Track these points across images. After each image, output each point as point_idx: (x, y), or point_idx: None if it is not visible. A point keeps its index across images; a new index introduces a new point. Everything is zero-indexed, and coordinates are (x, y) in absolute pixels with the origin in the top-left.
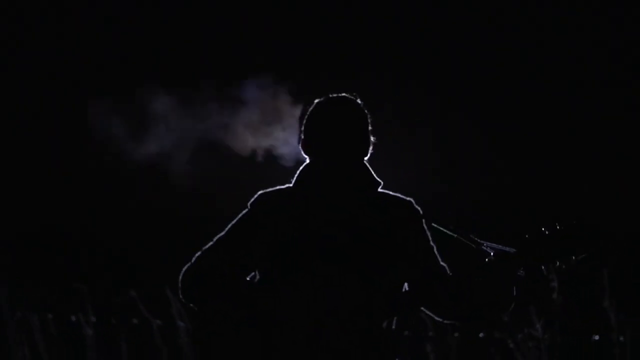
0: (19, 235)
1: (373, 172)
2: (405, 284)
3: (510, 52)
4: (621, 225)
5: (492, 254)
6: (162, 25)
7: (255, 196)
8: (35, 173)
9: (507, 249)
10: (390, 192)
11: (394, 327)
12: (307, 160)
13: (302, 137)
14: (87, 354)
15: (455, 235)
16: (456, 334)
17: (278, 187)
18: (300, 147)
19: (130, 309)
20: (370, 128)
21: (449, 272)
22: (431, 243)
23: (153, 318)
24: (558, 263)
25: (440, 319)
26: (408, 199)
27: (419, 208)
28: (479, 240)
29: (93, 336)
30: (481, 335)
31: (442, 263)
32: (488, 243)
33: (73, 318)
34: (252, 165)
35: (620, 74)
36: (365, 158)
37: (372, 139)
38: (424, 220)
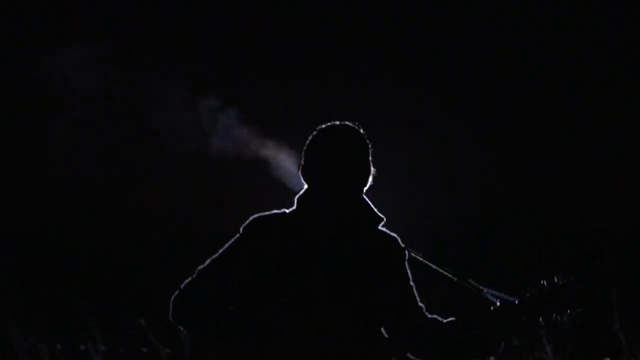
0: (27, 265)
1: (374, 207)
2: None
3: (510, 52)
4: (621, 228)
5: (497, 302)
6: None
7: (249, 220)
8: (45, 195)
9: (511, 298)
10: (379, 228)
11: None
12: (305, 187)
13: (302, 163)
14: None
15: (455, 279)
16: None
17: (273, 212)
18: (299, 173)
19: (139, 337)
20: (371, 158)
21: (425, 312)
22: (411, 282)
23: (162, 346)
24: (555, 315)
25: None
26: (393, 234)
27: (403, 245)
28: (478, 286)
29: None
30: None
31: (419, 304)
32: (489, 290)
33: (82, 347)
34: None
35: (620, 74)
36: (365, 188)
37: (372, 170)
38: (406, 259)
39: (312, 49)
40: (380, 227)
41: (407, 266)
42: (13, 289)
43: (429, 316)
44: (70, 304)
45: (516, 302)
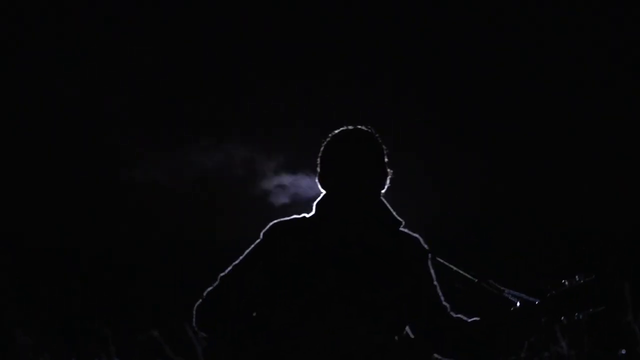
0: (38, 280)
1: (392, 210)
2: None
3: (510, 52)
4: (622, 226)
5: (517, 303)
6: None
7: (269, 225)
8: (58, 208)
9: (530, 299)
10: (401, 229)
11: None
12: (324, 193)
13: (319, 170)
14: None
15: (476, 280)
16: None
17: (293, 217)
18: (317, 181)
19: (153, 349)
20: (386, 160)
21: (450, 311)
22: (435, 282)
23: (177, 357)
24: (577, 314)
25: (440, 358)
26: (415, 235)
27: (426, 246)
28: (500, 287)
29: None
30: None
31: (444, 303)
32: (510, 291)
33: None
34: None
35: (620, 74)
36: (382, 191)
37: (388, 171)
38: (429, 258)
39: (311, 51)
40: (401, 228)
41: (429, 266)
42: (24, 306)
43: (454, 316)
44: (84, 319)
45: (536, 302)
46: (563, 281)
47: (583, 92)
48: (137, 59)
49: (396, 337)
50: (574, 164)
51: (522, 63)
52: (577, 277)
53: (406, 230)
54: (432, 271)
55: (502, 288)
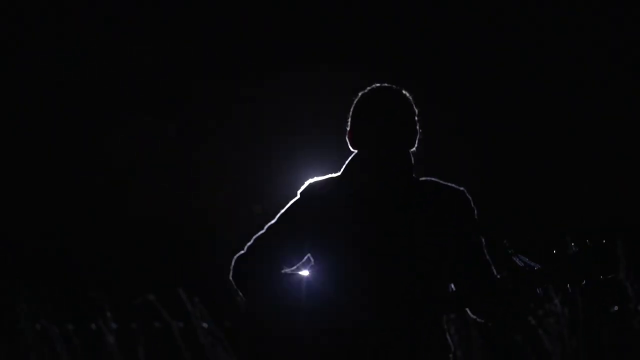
0: (33, 247)
1: (412, 164)
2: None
3: (511, 51)
4: (622, 225)
5: (520, 268)
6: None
7: (305, 184)
8: (51, 182)
9: (534, 264)
10: (442, 181)
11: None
12: (354, 152)
13: (348, 129)
14: None
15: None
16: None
17: (329, 176)
18: (347, 139)
19: (149, 313)
20: (416, 118)
21: (493, 268)
22: (481, 237)
23: (174, 320)
24: (585, 282)
25: (474, 317)
26: (461, 188)
27: (470, 198)
28: (510, 250)
29: (115, 343)
30: None
31: (487, 258)
32: (519, 256)
33: (93, 326)
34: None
35: (620, 74)
36: (412, 149)
37: (418, 129)
38: (475, 212)
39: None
40: (441, 182)
41: (475, 218)
42: (22, 272)
43: (494, 273)
44: (79, 283)
45: (538, 268)
46: (572, 247)
47: (583, 92)
48: (137, 58)
49: (437, 286)
50: (573, 163)
51: (522, 62)
52: (587, 241)
53: (450, 184)
54: (477, 224)
55: (512, 251)
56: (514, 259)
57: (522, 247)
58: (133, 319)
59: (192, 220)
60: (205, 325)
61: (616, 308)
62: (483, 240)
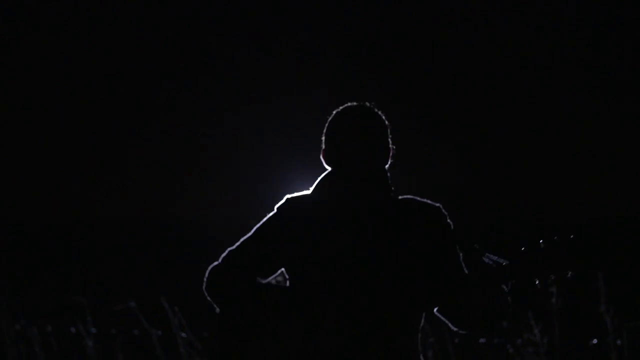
0: (17, 247)
1: (389, 179)
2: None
3: (512, 51)
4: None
5: (485, 265)
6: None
7: (283, 200)
8: (39, 180)
9: (501, 260)
10: (418, 198)
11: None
12: (329, 169)
13: (323, 147)
14: None
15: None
16: (456, 340)
17: (304, 192)
18: (321, 158)
19: (130, 319)
20: (390, 136)
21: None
22: (458, 251)
23: (153, 329)
24: (552, 277)
25: (456, 329)
26: (437, 205)
27: (446, 214)
28: (481, 250)
29: (93, 347)
30: (481, 341)
31: (465, 272)
32: (489, 255)
33: (73, 329)
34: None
35: (621, 74)
36: (386, 166)
37: (391, 146)
38: (452, 227)
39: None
40: (418, 198)
41: (451, 234)
42: (4, 270)
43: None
44: (60, 286)
45: (505, 263)
46: (540, 241)
47: (583, 91)
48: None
49: (410, 303)
50: (573, 163)
51: (523, 59)
52: (555, 237)
53: (427, 200)
54: (453, 240)
55: (483, 251)
56: (483, 258)
57: (504, 246)
58: (113, 325)
59: (180, 226)
60: (184, 335)
61: (595, 341)
62: (460, 255)
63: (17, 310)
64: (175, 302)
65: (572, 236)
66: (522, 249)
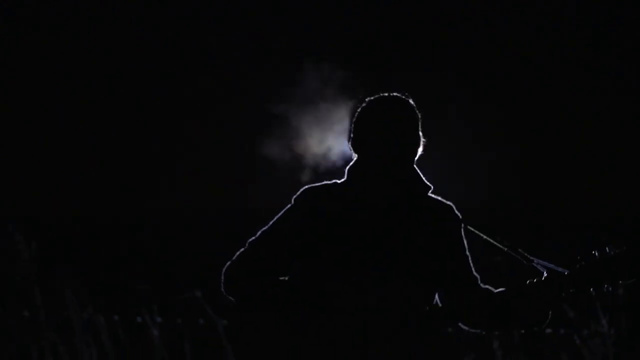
0: (84, 237)
1: (422, 176)
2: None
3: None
4: None
5: (545, 272)
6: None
7: (300, 191)
8: (101, 170)
9: (560, 269)
10: (433, 195)
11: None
12: (355, 158)
13: (352, 135)
14: (153, 354)
15: (505, 249)
16: (523, 331)
17: (324, 183)
18: (349, 145)
19: (195, 309)
20: (420, 128)
21: (479, 282)
22: (467, 252)
23: (218, 318)
24: (606, 286)
25: (468, 328)
26: (449, 203)
27: (458, 214)
28: (529, 256)
29: (158, 337)
30: (548, 331)
31: (474, 273)
32: (539, 260)
33: (139, 319)
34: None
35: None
36: (415, 158)
37: (422, 139)
38: (462, 227)
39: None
40: (433, 196)
41: (462, 235)
42: (69, 262)
43: (483, 287)
44: (127, 276)
45: (565, 273)
46: (593, 252)
47: (610, 86)
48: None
49: (425, 303)
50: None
51: (552, 48)
52: (607, 248)
53: (439, 198)
54: (464, 240)
55: (531, 257)
56: (535, 264)
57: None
58: (178, 314)
59: (248, 215)
60: None
61: None
62: (469, 255)
63: (84, 299)
64: None
65: (625, 247)
66: (579, 257)
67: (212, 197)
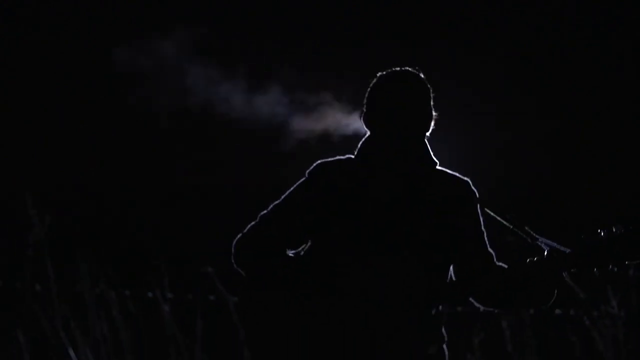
0: (94, 213)
1: (431, 150)
2: (451, 269)
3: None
4: None
5: (546, 251)
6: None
7: (314, 165)
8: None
9: (563, 248)
10: (448, 171)
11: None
12: (368, 134)
13: (364, 110)
14: (164, 330)
15: (511, 226)
16: (532, 311)
17: (337, 157)
18: (361, 120)
19: (206, 285)
20: (432, 103)
21: (495, 260)
22: (482, 228)
23: (229, 294)
24: (611, 267)
25: (479, 305)
26: (465, 179)
27: (475, 190)
28: (534, 235)
29: (169, 312)
30: (557, 312)
31: (490, 250)
32: (543, 239)
33: (150, 294)
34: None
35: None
36: (427, 133)
37: (434, 114)
38: (478, 203)
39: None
40: (449, 171)
41: (478, 210)
42: (82, 237)
43: (497, 264)
44: (138, 251)
45: (568, 251)
46: (599, 231)
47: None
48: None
49: (438, 280)
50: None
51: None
52: (614, 228)
53: (456, 174)
54: (480, 217)
55: (536, 236)
56: (538, 242)
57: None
58: (190, 290)
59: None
60: None
61: None
62: (485, 231)
63: (96, 274)
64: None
65: (631, 226)
66: (583, 237)
67: (225, 173)
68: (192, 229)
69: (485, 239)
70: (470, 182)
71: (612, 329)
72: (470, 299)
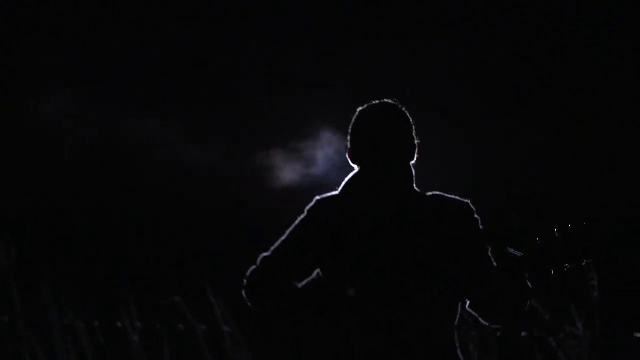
0: (62, 242)
1: (413, 176)
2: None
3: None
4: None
5: (513, 257)
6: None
7: (312, 201)
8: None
9: (517, 253)
10: (446, 195)
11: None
12: (356, 169)
13: (348, 146)
14: (133, 359)
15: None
16: (498, 333)
17: (332, 193)
18: (347, 157)
19: (175, 314)
20: (413, 131)
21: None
22: (486, 245)
23: (198, 323)
24: (567, 266)
25: (487, 324)
26: (465, 200)
27: (474, 208)
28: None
29: (138, 342)
30: (523, 334)
31: (494, 264)
32: (511, 250)
33: (119, 324)
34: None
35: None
36: (412, 161)
37: (416, 141)
38: (479, 222)
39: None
40: (447, 195)
41: (478, 229)
42: (48, 268)
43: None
44: (106, 281)
45: (519, 255)
46: (554, 230)
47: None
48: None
49: (442, 303)
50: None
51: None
52: (569, 225)
53: (453, 196)
54: (481, 236)
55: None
56: (508, 251)
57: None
58: (158, 319)
59: (229, 218)
60: (227, 329)
61: (638, 334)
62: (489, 249)
63: (64, 304)
64: (220, 295)
65: (584, 223)
66: (537, 239)
67: (195, 201)
68: (160, 259)
69: (489, 256)
70: (470, 203)
71: (578, 349)
72: (480, 317)
